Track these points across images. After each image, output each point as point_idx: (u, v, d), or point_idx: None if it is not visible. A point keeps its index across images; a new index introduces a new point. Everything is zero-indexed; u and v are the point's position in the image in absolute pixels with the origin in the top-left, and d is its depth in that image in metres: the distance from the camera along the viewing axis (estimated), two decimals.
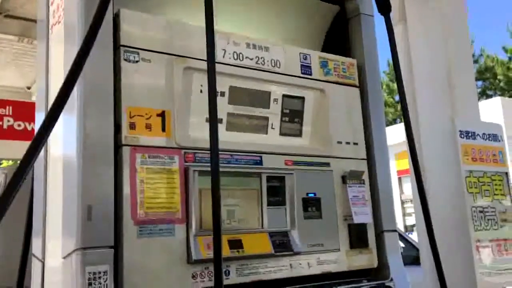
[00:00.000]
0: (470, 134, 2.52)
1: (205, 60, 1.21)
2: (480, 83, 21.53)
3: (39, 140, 0.92)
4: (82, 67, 1.01)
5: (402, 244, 4.30)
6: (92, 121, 1.16)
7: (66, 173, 1.20)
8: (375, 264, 1.58)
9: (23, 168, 0.88)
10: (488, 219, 2.48)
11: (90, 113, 1.16)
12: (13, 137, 5.43)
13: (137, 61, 1.25)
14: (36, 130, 1.51)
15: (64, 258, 1.12)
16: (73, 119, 1.15)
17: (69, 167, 1.18)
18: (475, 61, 20.86)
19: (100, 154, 1.15)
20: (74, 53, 1.13)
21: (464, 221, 2.41)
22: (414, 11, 2.85)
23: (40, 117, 1.46)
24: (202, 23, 1.22)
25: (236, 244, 1.31)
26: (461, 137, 2.47)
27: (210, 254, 1.20)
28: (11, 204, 0.84)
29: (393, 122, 20.16)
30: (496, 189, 2.57)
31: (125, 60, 1.23)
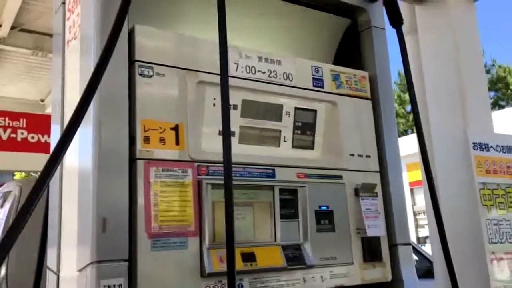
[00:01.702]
0: (483, 146, 2.50)
1: (218, 74, 1.22)
2: (492, 93, 21.37)
3: (58, 153, 0.93)
4: (99, 81, 1.02)
5: (415, 257, 4.25)
6: (107, 134, 1.17)
7: (81, 185, 1.21)
8: (389, 278, 1.57)
9: (44, 180, 0.89)
10: (503, 232, 2.45)
11: (105, 126, 1.17)
12: (27, 149, 5.51)
13: (151, 76, 1.27)
14: (52, 142, 1.54)
15: (79, 271, 1.12)
16: (88, 132, 1.17)
17: (84, 179, 1.19)
18: (487, 72, 20.73)
19: (115, 166, 1.16)
20: (90, 67, 1.16)
21: (479, 233, 2.38)
22: (425, 21, 2.85)
23: (55, 129, 1.48)
24: (215, 38, 1.24)
25: (249, 257, 1.30)
26: (474, 149, 2.45)
27: (223, 267, 1.20)
28: (30, 216, 0.85)
29: (405, 132, 20.03)
30: (511, 201, 2.53)
31: (140, 75, 1.25)
